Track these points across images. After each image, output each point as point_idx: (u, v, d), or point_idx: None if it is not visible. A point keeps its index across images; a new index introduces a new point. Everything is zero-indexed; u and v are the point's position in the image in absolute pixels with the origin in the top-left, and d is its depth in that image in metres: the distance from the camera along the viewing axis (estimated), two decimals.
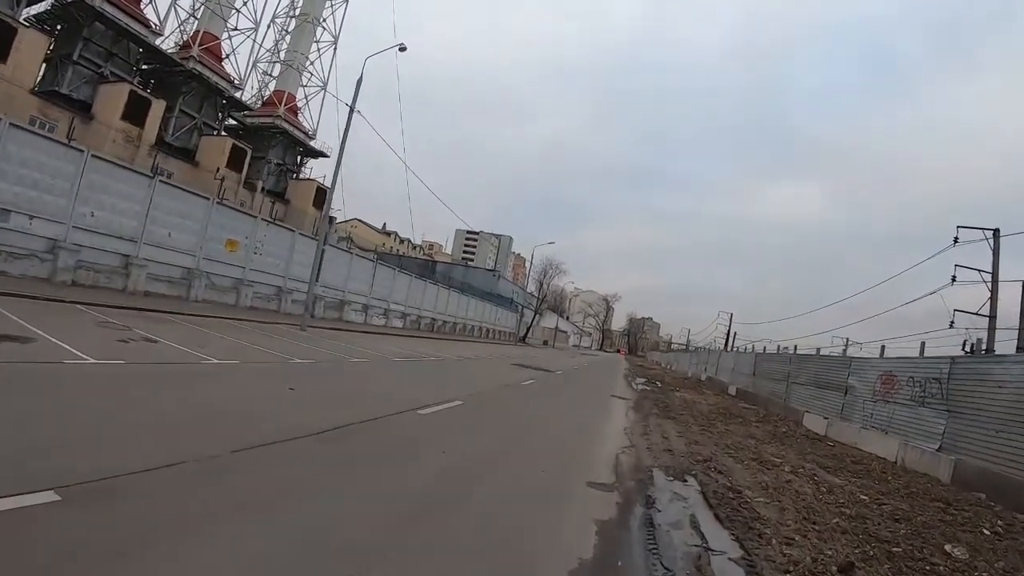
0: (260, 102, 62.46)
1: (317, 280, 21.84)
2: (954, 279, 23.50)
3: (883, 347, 16.12)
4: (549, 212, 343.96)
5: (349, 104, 21.27)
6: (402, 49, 22.10)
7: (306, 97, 64.79)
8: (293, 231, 26.44)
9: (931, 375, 13.18)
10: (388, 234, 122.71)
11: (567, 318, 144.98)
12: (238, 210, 24.12)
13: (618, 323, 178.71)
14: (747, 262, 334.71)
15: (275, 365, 11.56)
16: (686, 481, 7.39)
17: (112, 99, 43.61)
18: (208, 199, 22.41)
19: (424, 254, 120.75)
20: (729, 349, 47.43)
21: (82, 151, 17.94)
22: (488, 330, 64.75)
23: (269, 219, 25.91)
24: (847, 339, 29.75)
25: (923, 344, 15.38)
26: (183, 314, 17.14)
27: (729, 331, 59.93)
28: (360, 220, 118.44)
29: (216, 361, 10.30)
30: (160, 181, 20.52)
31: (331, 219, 64.65)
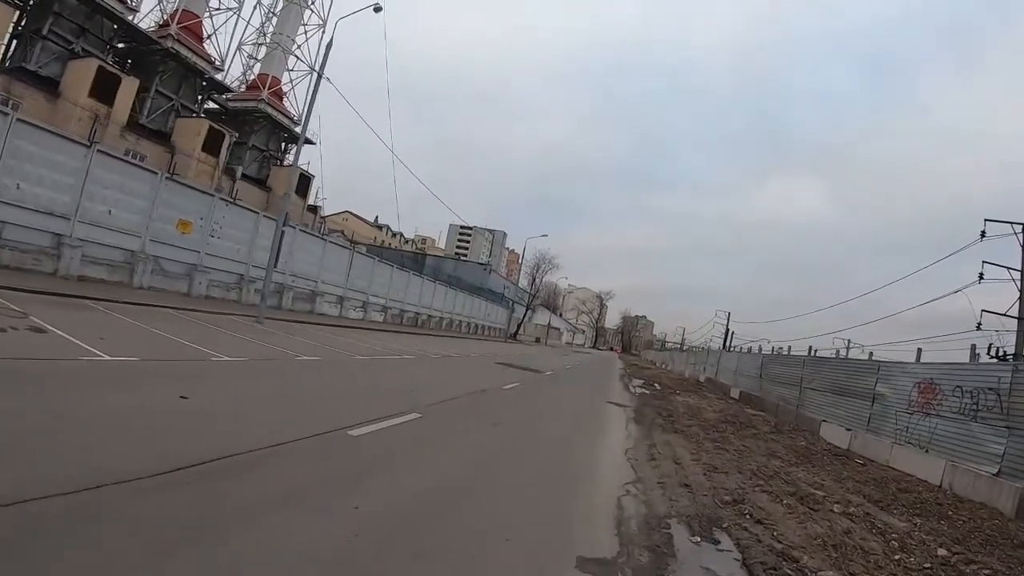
0: (244, 86, 60.07)
1: (276, 265, 19.46)
2: (982, 276, 21.44)
3: (919, 350, 13.96)
4: (544, 210, 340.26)
5: (316, 70, 18.87)
6: (377, 10, 19.83)
7: (291, 81, 62.22)
8: (257, 213, 23.98)
9: (986, 384, 11.10)
10: (380, 227, 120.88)
11: (560, 315, 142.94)
12: (192, 187, 21.65)
13: (612, 321, 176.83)
14: (743, 262, 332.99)
15: (186, 364, 9.25)
16: (718, 543, 5.17)
17: (79, 75, 41.06)
18: (156, 173, 20.02)
19: (416, 248, 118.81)
20: (729, 349, 45.29)
21: (6, 114, 15.55)
22: (477, 326, 62.40)
23: (229, 199, 23.41)
24: (848, 340, 27.84)
25: (973, 348, 13.27)
26: (117, 302, 14.84)
27: (727, 330, 57.86)
28: (352, 213, 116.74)
29: (107, 358, 8.03)
30: (99, 151, 18.12)
31: (315, 207, 62.82)
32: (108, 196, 18.52)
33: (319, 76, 19.48)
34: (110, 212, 18.61)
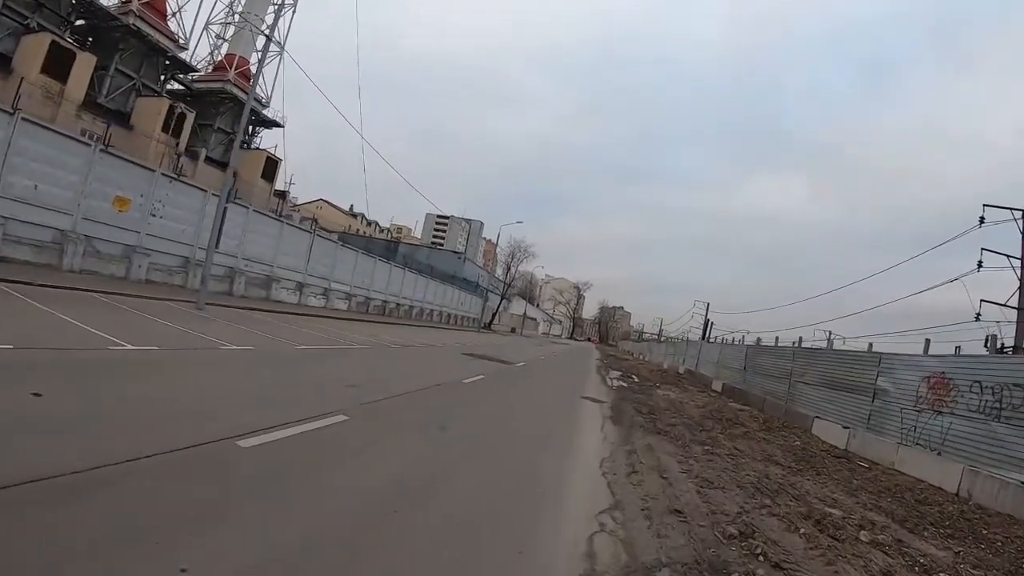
0: (212, 67, 57.89)
1: (218, 245, 17.55)
2: (980, 264, 20.31)
3: (928, 341, 12.61)
4: (527, 201, 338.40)
5: (265, 33, 17.03)
6: None
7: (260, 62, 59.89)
8: (205, 191, 21.95)
9: (1010, 380, 9.81)
10: (355, 216, 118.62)
11: (537, 305, 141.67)
12: (131, 161, 19.60)
13: (589, 311, 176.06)
14: (723, 256, 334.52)
15: (72, 354, 7.53)
16: None
17: (32, 50, 39.02)
18: (89, 145, 18.08)
19: (391, 237, 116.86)
20: (709, 340, 44.06)
21: None
22: (449, 315, 60.54)
23: (173, 175, 21.43)
24: (830, 332, 26.67)
25: (992, 337, 11.95)
26: (35, 285, 13.21)
27: (706, 321, 56.73)
28: (326, 201, 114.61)
29: None
30: (23, 119, 16.23)
31: (283, 192, 60.51)
32: (35, 170, 16.75)
33: (268, 39, 17.68)
34: (36, 187, 16.81)
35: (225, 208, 16.68)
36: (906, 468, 10.87)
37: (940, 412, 11.01)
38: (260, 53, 19.81)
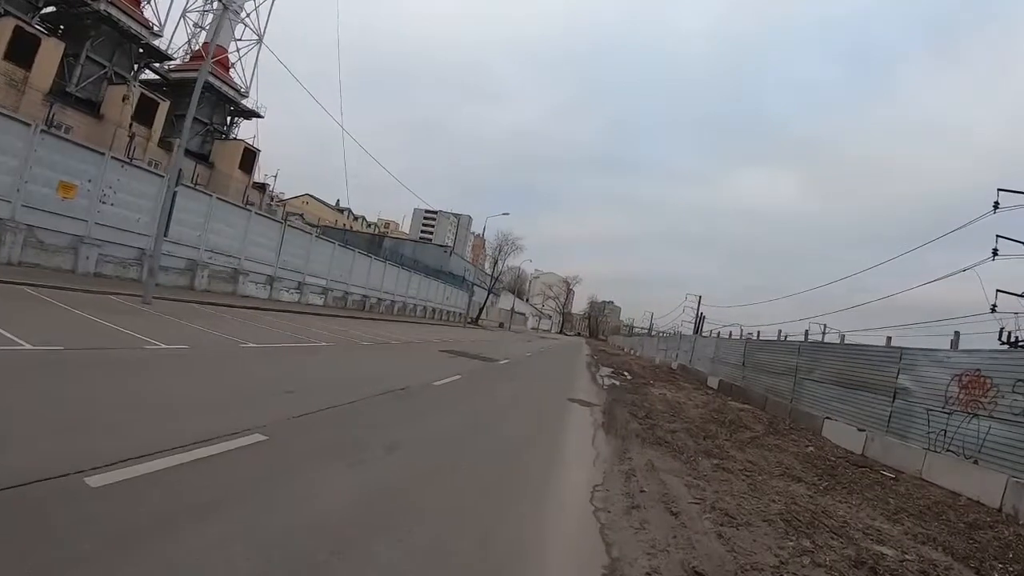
0: (189, 56, 56.21)
1: (167, 234, 15.86)
2: (995, 252, 19.03)
3: (957, 333, 11.26)
4: (514, 196, 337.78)
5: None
6: None
7: (238, 51, 58.50)
8: (162, 176, 20.20)
9: None
10: (342, 211, 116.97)
11: (527, 300, 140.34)
12: (77, 143, 17.90)
13: (579, 306, 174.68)
14: (713, 250, 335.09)
15: None
16: None
17: None
18: (29, 125, 16.41)
19: (377, 231, 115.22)
20: (704, 334, 42.70)
21: None
22: (435, 310, 58.82)
23: (124, 159, 19.72)
24: (824, 326, 25.38)
25: None
26: None
27: (698, 315, 55.45)
28: (312, 196, 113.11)
29: None
30: None
31: (263, 185, 58.72)
32: None
33: (224, 8, 16.07)
34: None
35: (175, 192, 15.00)
36: (936, 478, 9.60)
37: (976, 415, 9.72)
38: (217, 23, 18.12)
